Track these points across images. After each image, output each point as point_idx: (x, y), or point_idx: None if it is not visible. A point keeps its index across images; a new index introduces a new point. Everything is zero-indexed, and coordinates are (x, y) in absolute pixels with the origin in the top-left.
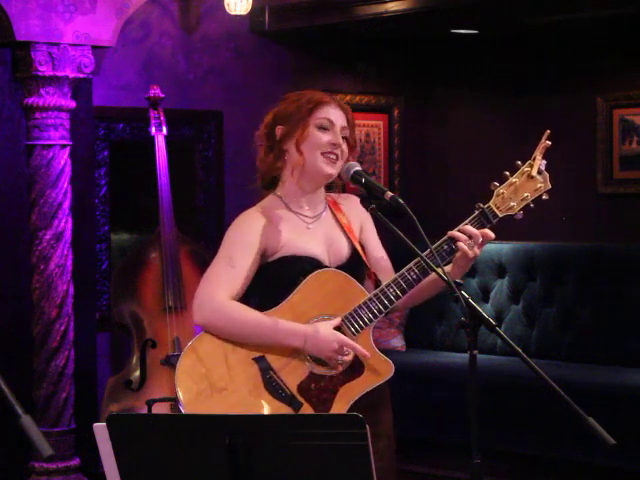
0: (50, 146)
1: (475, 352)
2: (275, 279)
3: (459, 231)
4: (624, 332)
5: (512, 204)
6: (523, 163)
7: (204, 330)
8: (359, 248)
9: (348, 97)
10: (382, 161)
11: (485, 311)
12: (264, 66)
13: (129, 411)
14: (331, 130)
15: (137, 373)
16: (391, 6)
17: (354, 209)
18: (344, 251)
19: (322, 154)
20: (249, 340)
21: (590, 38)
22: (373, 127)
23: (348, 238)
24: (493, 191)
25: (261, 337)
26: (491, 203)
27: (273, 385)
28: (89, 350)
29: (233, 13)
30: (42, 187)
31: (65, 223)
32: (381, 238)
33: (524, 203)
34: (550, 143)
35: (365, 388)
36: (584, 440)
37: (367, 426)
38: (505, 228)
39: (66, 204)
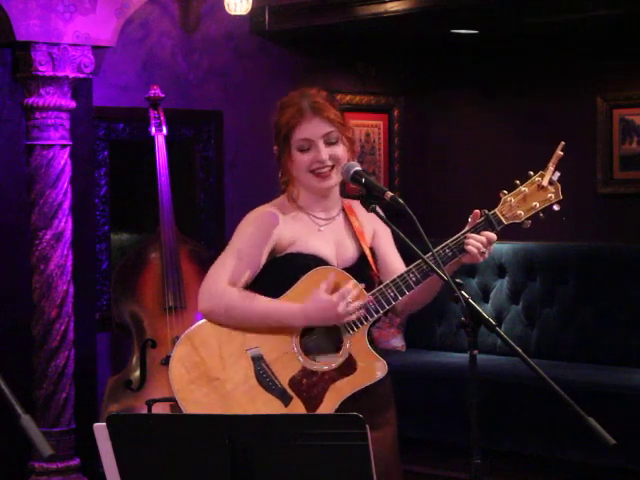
0: (50, 146)
1: (475, 352)
2: (277, 275)
3: (470, 238)
4: (624, 332)
5: (519, 212)
6: (528, 168)
7: (204, 319)
8: (368, 253)
9: (348, 97)
10: (382, 161)
11: (485, 311)
12: (264, 66)
13: (129, 411)
14: (312, 149)
15: (137, 373)
16: (391, 6)
17: (368, 215)
18: (352, 254)
19: (312, 172)
20: (250, 325)
21: (590, 38)
22: (373, 127)
23: (358, 242)
24: (501, 198)
25: (263, 320)
26: (497, 210)
27: (265, 377)
28: (89, 350)
29: (233, 13)
30: (42, 187)
31: (65, 223)
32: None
33: (532, 212)
34: (562, 154)
35: (356, 387)
36: (584, 440)
37: (367, 426)
38: (505, 228)
39: (66, 204)
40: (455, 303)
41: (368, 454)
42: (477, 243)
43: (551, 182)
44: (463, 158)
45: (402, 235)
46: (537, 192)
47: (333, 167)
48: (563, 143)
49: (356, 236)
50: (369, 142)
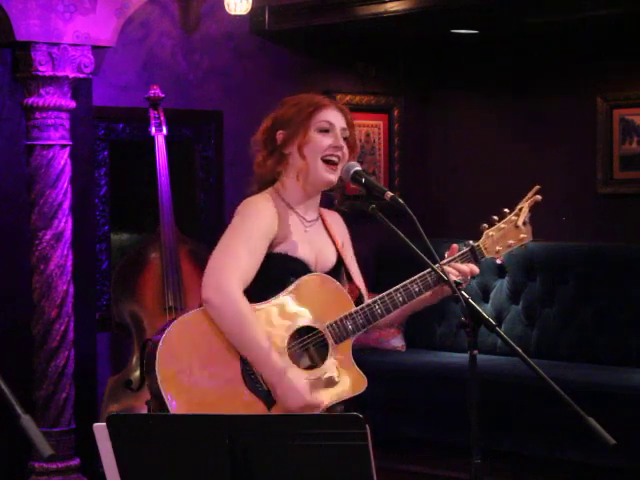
0: (50, 146)
1: (475, 352)
2: (265, 275)
3: (450, 267)
4: (624, 332)
5: (498, 248)
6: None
7: (203, 307)
8: (344, 258)
9: (348, 97)
10: (382, 161)
11: (485, 311)
12: (264, 66)
13: (129, 411)
14: (332, 132)
15: (137, 373)
16: (391, 6)
17: (337, 225)
18: (331, 259)
19: (323, 159)
20: (233, 340)
21: (590, 38)
22: (373, 127)
23: (335, 247)
24: (482, 232)
25: (246, 348)
26: (480, 243)
27: (251, 378)
28: (89, 350)
29: (233, 13)
30: (42, 187)
31: (65, 223)
32: (382, 238)
33: (508, 250)
34: (540, 198)
35: (336, 399)
36: (584, 440)
37: (367, 426)
38: None
39: (66, 204)
40: (455, 303)
41: (368, 454)
42: (455, 271)
43: (524, 223)
44: (463, 158)
45: (402, 235)
46: (513, 230)
47: (340, 161)
48: (538, 187)
49: (333, 241)
50: (369, 142)
